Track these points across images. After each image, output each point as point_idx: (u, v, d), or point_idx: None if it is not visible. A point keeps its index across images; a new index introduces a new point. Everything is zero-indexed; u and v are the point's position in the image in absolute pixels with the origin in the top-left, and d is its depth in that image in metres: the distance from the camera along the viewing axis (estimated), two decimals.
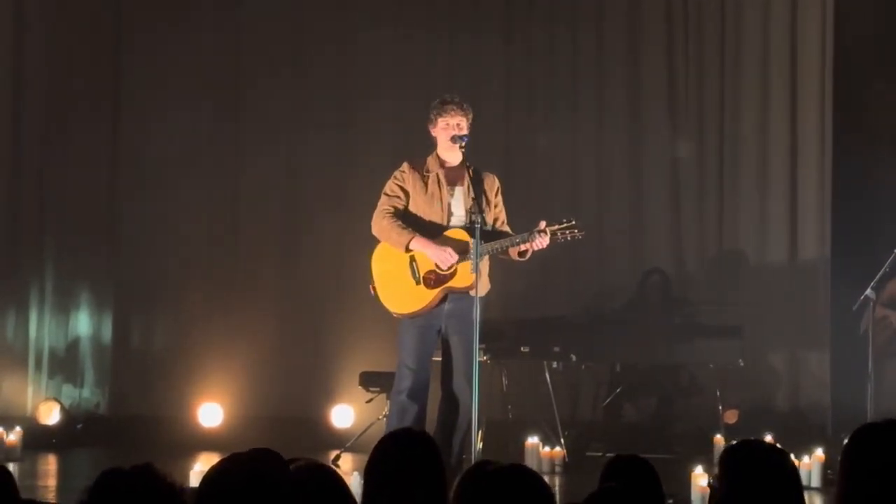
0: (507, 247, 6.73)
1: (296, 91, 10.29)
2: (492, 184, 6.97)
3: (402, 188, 6.89)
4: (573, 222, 6.77)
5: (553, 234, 6.72)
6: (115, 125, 10.27)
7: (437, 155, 6.95)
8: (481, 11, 10.30)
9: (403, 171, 6.91)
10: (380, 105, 10.12)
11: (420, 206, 6.87)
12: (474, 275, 6.50)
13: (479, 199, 6.68)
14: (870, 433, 3.23)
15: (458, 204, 6.87)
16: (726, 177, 10.10)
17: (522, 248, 6.74)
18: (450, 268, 6.71)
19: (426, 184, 6.87)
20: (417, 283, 6.76)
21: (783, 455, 3.32)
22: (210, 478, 3.04)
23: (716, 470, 3.40)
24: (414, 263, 6.78)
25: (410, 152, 7.22)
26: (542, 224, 6.72)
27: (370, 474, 3.60)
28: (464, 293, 6.68)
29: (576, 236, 6.80)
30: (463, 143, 6.79)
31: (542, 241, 6.70)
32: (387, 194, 6.91)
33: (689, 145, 10.19)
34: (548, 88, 10.30)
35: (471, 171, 6.82)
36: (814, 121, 9.91)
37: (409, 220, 6.86)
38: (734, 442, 3.45)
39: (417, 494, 3.49)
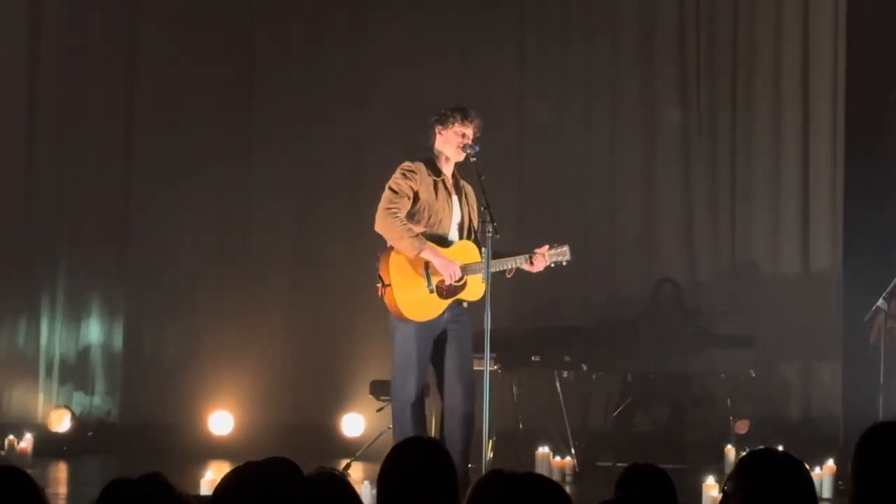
0: (511, 267, 6.77)
1: (307, 99, 10.30)
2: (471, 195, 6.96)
3: (412, 188, 6.69)
4: (564, 248, 6.83)
5: (551, 257, 6.82)
6: (129, 137, 10.27)
7: (439, 158, 6.83)
8: (494, 18, 10.31)
9: (414, 172, 6.70)
10: (391, 116, 10.10)
11: (432, 210, 6.73)
12: (485, 284, 6.51)
13: (487, 208, 6.65)
14: (879, 433, 3.25)
15: (458, 212, 6.86)
16: (738, 187, 10.09)
17: (526, 266, 6.79)
18: (460, 280, 6.70)
19: (436, 189, 6.77)
20: (431, 291, 6.72)
21: (799, 465, 3.31)
22: (225, 485, 3.04)
23: (729, 478, 3.38)
24: (429, 271, 6.68)
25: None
26: (545, 249, 6.78)
27: (383, 483, 3.59)
28: (465, 301, 6.76)
29: (562, 263, 6.87)
30: (474, 153, 6.75)
31: (540, 265, 6.80)
32: (395, 191, 6.67)
33: (702, 155, 10.19)
34: (560, 99, 10.30)
35: (482, 179, 6.78)
36: (826, 131, 9.90)
37: (418, 225, 6.71)
38: (748, 450, 3.43)
39: (430, 502, 3.48)
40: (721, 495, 3.37)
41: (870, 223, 9.74)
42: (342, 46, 10.30)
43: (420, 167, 6.74)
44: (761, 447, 3.42)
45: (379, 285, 6.71)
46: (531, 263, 6.79)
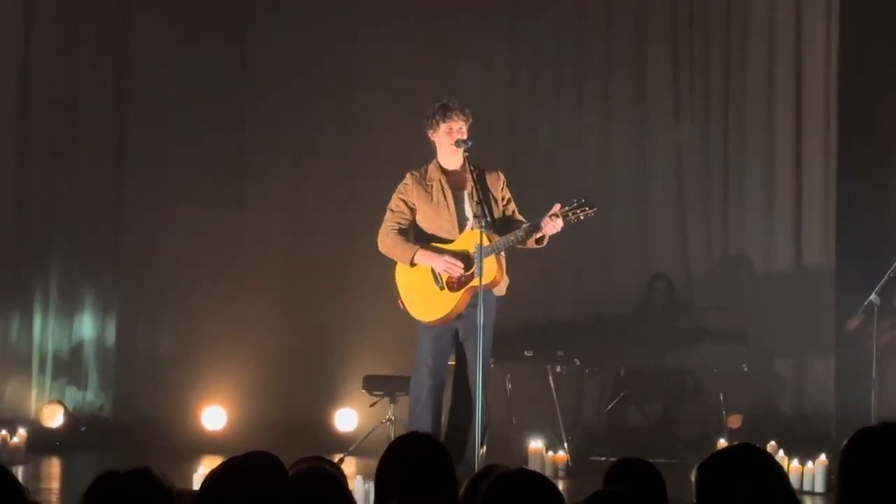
0: (522, 238, 6.72)
1: (300, 100, 10.30)
2: (496, 181, 6.96)
3: (405, 202, 6.91)
4: (583, 200, 6.74)
5: (565, 215, 6.71)
6: (122, 132, 10.27)
7: (438, 161, 6.95)
8: (487, 18, 10.31)
9: (406, 184, 6.92)
10: (383, 109, 10.10)
11: (428, 216, 6.87)
12: (497, 265, 6.66)
13: (486, 200, 6.68)
14: (866, 438, 3.24)
15: (466, 206, 6.88)
16: (731, 183, 10.10)
17: (537, 235, 6.73)
18: (468, 269, 6.71)
19: (430, 193, 6.88)
20: (441, 288, 6.78)
21: (757, 456, 3.28)
22: (209, 482, 3.05)
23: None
24: (435, 270, 6.80)
25: (413, 157, 7.21)
26: (557, 207, 6.71)
27: (381, 479, 3.59)
28: (487, 292, 6.68)
29: (588, 214, 6.75)
30: (467, 148, 6.78)
31: (555, 225, 6.69)
32: (391, 210, 6.94)
33: (695, 151, 10.19)
34: (553, 96, 10.31)
35: (474, 174, 6.81)
36: (819, 126, 9.90)
37: (418, 233, 6.89)
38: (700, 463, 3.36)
39: (429, 498, 3.48)
40: None
41: (862, 219, 9.76)
42: (334, 45, 10.29)
43: (409, 179, 6.93)
44: (705, 459, 3.36)
45: (399, 300, 6.94)
46: (540, 229, 6.69)
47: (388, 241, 6.88)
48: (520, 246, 6.82)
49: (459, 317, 6.82)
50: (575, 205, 6.71)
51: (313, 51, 10.30)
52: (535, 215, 6.86)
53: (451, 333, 6.88)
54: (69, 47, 10.17)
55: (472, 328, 6.68)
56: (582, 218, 6.76)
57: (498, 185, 6.95)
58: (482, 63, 10.20)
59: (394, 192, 7.00)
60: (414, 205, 6.90)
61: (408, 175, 6.95)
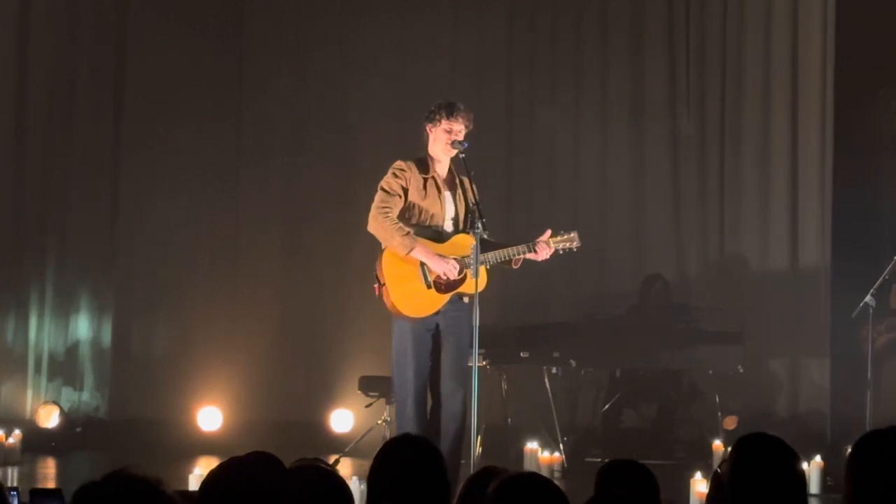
0: (513, 255, 6.70)
1: (297, 95, 10.30)
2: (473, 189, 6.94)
3: (402, 187, 6.71)
4: (573, 234, 6.77)
5: (556, 245, 6.73)
6: (117, 130, 10.27)
7: (431, 157, 6.85)
8: (484, 15, 10.33)
9: (404, 170, 6.72)
10: (383, 108, 10.12)
11: (419, 208, 6.75)
12: (486, 275, 6.56)
13: (476, 203, 6.64)
14: (875, 440, 3.24)
15: (452, 207, 6.84)
16: (727, 183, 10.11)
17: (527, 256, 6.72)
18: (459, 273, 6.68)
19: (425, 186, 6.77)
20: (429, 287, 6.69)
21: (792, 454, 3.29)
22: (209, 481, 3.05)
23: (719, 464, 3.36)
24: (425, 267, 6.67)
25: (414, 156, 7.19)
26: (547, 235, 6.72)
27: (373, 481, 3.58)
28: (459, 298, 6.68)
29: (572, 248, 6.81)
30: (462, 150, 6.74)
31: (547, 252, 6.71)
32: (386, 191, 6.70)
33: (691, 152, 10.20)
34: (550, 96, 10.32)
35: (471, 175, 6.78)
36: (815, 127, 9.92)
37: (409, 222, 6.71)
38: (743, 436, 3.40)
39: (420, 500, 3.48)
40: (712, 476, 3.36)
41: (858, 220, 9.78)
42: (333, 38, 10.31)
43: (411, 166, 6.75)
44: (759, 432, 3.38)
45: (376, 285, 6.72)
46: (535, 252, 6.71)
47: (386, 224, 6.60)
48: (496, 262, 6.78)
49: (437, 313, 6.77)
50: (564, 236, 6.74)
51: (312, 47, 10.31)
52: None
53: (431, 332, 6.80)
54: (66, 46, 10.17)
55: (450, 325, 6.66)
56: (566, 250, 6.78)
57: (476, 194, 6.91)
58: (481, 65, 10.21)
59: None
60: (408, 191, 6.72)
61: (403, 162, 6.76)
